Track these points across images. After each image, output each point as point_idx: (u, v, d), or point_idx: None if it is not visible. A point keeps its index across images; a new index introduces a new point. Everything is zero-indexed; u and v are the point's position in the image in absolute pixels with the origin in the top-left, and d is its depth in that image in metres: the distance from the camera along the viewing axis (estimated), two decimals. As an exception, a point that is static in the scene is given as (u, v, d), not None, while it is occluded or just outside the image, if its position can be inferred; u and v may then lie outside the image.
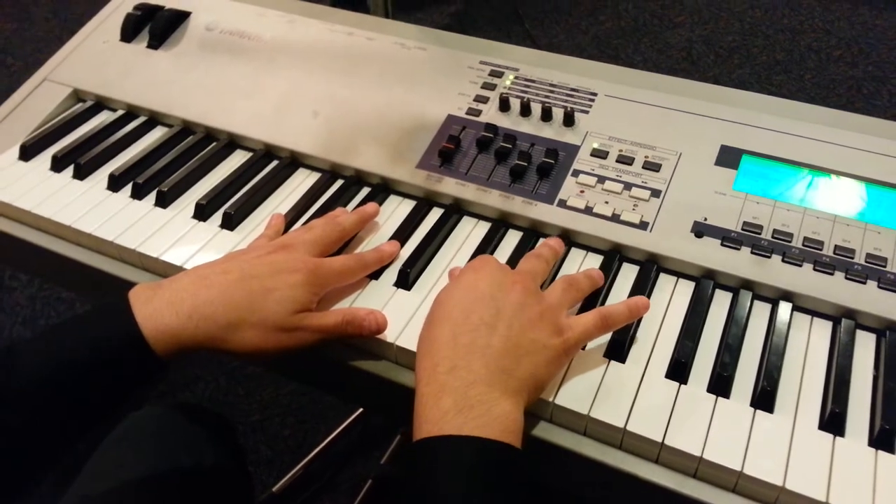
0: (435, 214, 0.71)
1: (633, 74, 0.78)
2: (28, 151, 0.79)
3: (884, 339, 0.58)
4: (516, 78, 0.78)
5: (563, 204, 0.68)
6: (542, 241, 0.67)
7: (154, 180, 0.75)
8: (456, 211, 0.71)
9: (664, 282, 0.64)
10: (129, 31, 0.90)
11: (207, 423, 0.71)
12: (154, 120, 0.84)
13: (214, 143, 0.80)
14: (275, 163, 0.78)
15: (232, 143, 0.80)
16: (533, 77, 0.78)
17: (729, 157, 0.69)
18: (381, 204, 0.72)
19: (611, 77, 0.77)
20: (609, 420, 0.53)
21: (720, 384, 0.55)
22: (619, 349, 0.58)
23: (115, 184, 0.75)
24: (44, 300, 1.55)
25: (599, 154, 0.71)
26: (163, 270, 0.68)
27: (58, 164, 0.78)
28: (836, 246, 0.62)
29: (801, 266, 0.61)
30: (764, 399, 0.54)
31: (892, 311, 0.58)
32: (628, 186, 0.68)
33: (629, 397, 0.54)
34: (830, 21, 2.25)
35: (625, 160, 0.70)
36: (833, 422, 0.52)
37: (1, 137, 0.82)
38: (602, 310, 0.56)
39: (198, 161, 0.77)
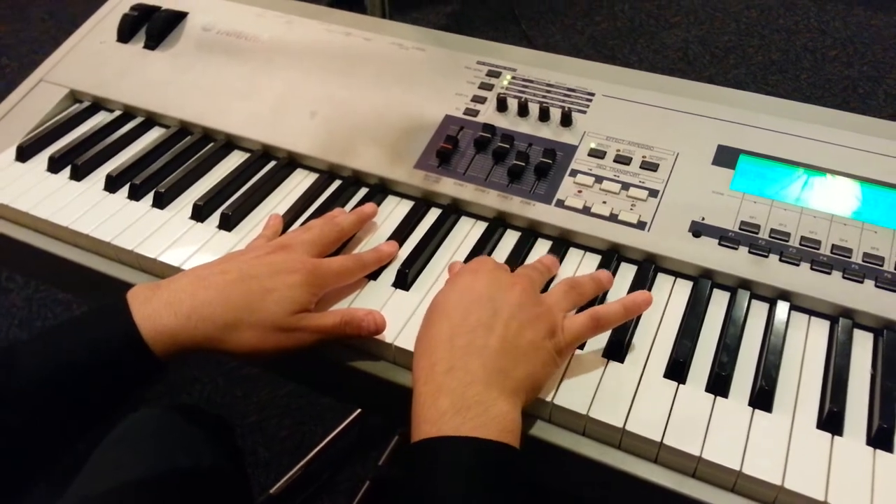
0: (433, 215, 0.71)
1: (631, 75, 0.78)
2: (25, 152, 0.79)
3: (881, 338, 0.58)
4: (514, 78, 0.78)
5: (560, 204, 0.68)
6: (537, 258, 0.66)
7: (151, 181, 0.75)
8: (454, 211, 0.71)
9: (662, 281, 0.64)
10: (126, 32, 0.90)
11: (205, 424, 0.71)
12: (151, 121, 0.84)
13: (212, 144, 0.80)
14: (272, 163, 0.78)
15: (229, 143, 0.80)
16: (530, 77, 0.78)
17: (726, 157, 0.69)
18: (379, 204, 0.72)
19: (608, 77, 0.77)
20: (608, 420, 0.53)
21: (718, 384, 0.55)
22: (617, 349, 0.58)
23: (112, 185, 0.75)
24: (40, 302, 1.55)
25: (597, 154, 0.71)
26: (160, 271, 0.68)
27: (55, 165, 0.78)
28: (833, 245, 0.62)
29: (798, 265, 0.61)
30: (762, 398, 0.54)
31: (890, 310, 0.58)
32: (626, 186, 0.68)
33: (628, 397, 0.54)
34: (826, 21, 2.25)
35: (622, 160, 0.70)
36: (831, 421, 0.53)
37: (-3, 138, 0.82)
38: (594, 310, 0.56)
39: (195, 162, 0.77)
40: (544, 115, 0.74)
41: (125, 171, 0.76)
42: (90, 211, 0.72)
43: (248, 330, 0.55)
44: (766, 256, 0.62)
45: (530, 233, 0.69)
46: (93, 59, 0.89)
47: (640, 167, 0.69)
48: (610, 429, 0.53)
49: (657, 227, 0.65)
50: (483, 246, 0.67)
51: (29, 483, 0.52)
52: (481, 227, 0.70)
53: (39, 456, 0.52)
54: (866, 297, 0.59)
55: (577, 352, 0.58)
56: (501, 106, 0.76)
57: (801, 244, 0.62)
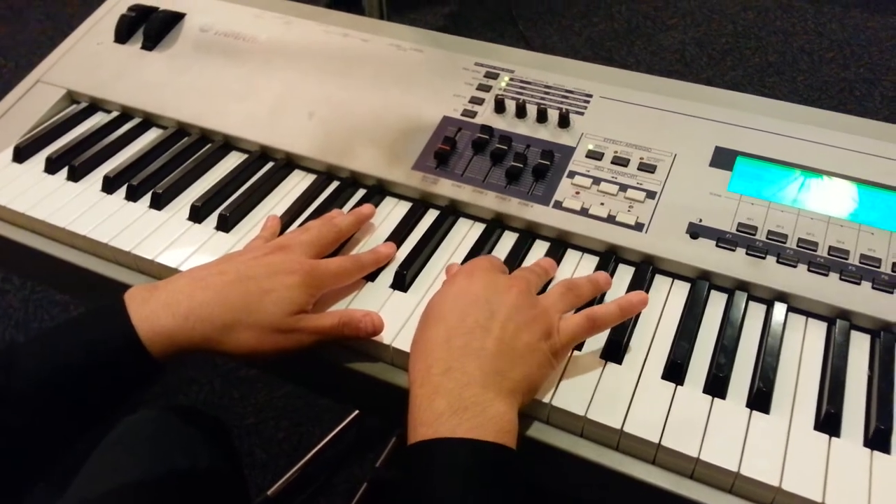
0: (431, 216, 0.71)
1: (628, 76, 0.78)
2: (22, 153, 0.79)
3: (878, 340, 0.58)
4: (511, 79, 0.78)
5: (558, 205, 0.68)
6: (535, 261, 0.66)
7: (149, 182, 0.75)
8: (452, 212, 0.71)
9: (660, 283, 0.64)
10: (124, 33, 0.90)
11: (202, 426, 0.71)
12: (148, 122, 0.84)
13: (209, 145, 0.80)
14: (270, 164, 0.78)
15: (227, 144, 0.80)
16: (528, 79, 0.78)
17: (723, 159, 0.69)
18: (377, 205, 0.72)
19: (606, 79, 0.77)
20: (606, 421, 0.53)
21: (716, 385, 0.55)
22: (615, 351, 0.58)
23: (109, 186, 0.75)
24: (37, 303, 1.55)
25: (595, 155, 0.71)
26: (158, 272, 0.68)
27: (52, 166, 0.78)
28: (830, 247, 0.62)
29: (795, 267, 0.61)
30: (760, 400, 0.54)
31: (887, 311, 0.58)
32: (624, 188, 0.68)
33: (626, 399, 0.55)
34: (822, 23, 2.26)
35: (620, 161, 0.70)
36: (828, 422, 0.53)
37: (-6, 139, 0.82)
38: (590, 311, 0.56)
39: (193, 163, 0.77)
40: (542, 117, 0.74)
41: (122, 172, 0.76)
42: (87, 212, 0.72)
43: (245, 331, 0.55)
44: (764, 258, 0.62)
45: (528, 234, 0.69)
46: (90, 60, 0.89)
47: (638, 169, 0.69)
48: (608, 430, 0.53)
49: (655, 229, 0.65)
50: (481, 247, 0.67)
51: (28, 484, 0.52)
52: (479, 228, 0.70)
53: (38, 457, 0.52)
54: (863, 299, 0.59)
55: (576, 353, 0.58)
56: (499, 107, 0.76)
57: (798, 246, 0.62)
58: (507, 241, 0.69)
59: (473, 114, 0.76)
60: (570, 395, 0.55)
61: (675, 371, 0.56)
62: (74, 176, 0.76)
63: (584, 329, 0.55)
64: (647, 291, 0.63)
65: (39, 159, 0.79)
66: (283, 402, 1.35)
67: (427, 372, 0.50)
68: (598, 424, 0.53)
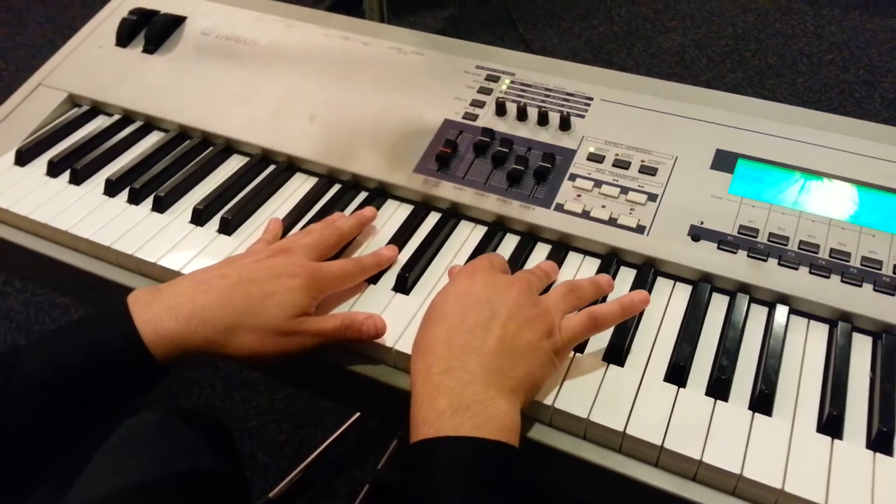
0: (432, 219, 0.71)
1: (629, 79, 0.78)
2: (24, 156, 0.79)
3: (880, 342, 0.58)
4: (512, 82, 0.79)
5: (560, 208, 0.68)
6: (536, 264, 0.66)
7: (151, 185, 0.75)
8: (453, 215, 0.71)
9: (661, 285, 0.64)
10: (125, 36, 0.90)
11: (204, 428, 0.71)
12: (150, 125, 0.84)
13: (211, 148, 0.80)
14: (272, 167, 0.78)
15: (229, 147, 0.80)
16: (529, 81, 0.78)
17: (724, 161, 0.69)
18: (378, 208, 0.72)
19: (607, 81, 0.77)
20: (608, 424, 0.53)
21: (718, 387, 0.55)
22: (617, 353, 0.58)
23: (111, 189, 0.75)
24: (38, 306, 1.55)
25: (596, 158, 0.71)
26: (160, 275, 0.68)
27: (54, 170, 0.78)
28: (831, 249, 0.62)
29: (797, 269, 0.61)
30: (762, 402, 0.54)
31: (888, 313, 0.58)
32: (625, 190, 0.68)
33: (628, 401, 0.55)
34: (822, 25, 2.26)
35: (621, 164, 0.70)
36: (831, 424, 0.53)
37: (-4, 142, 0.82)
38: (591, 310, 0.56)
39: (195, 166, 0.77)
40: (543, 120, 0.74)
41: (124, 176, 0.76)
42: (89, 215, 0.72)
43: (248, 333, 0.55)
44: (765, 260, 0.62)
45: (529, 237, 0.69)
46: (91, 64, 0.89)
47: (639, 171, 0.69)
48: (610, 432, 0.53)
49: (656, 231, 0.65)
50: (482, 250, 0.67)
51: (29, 485, 0.52)
52: (481, 231, 0.70)
53: (40, 458, 0.52)
54: (865, 301, 0.59)
55: (578, 355, 0.58)
56: (500, 110, 0.76)
57: (799, 248, 0.63)
58: (509, 243, 0.69)
59: (475, 116, 0.76)
60: (572, 398, 0.55)
61: (677, 373, 0.56)
62: (76, 179, 0.77)
63: (586, 328, 0.55)
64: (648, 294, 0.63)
65: (41, 163, 0.79)
66: (285, 404, 1.35)
67: (428, 371, 0.50)
68: (601, 427, 0.53)
